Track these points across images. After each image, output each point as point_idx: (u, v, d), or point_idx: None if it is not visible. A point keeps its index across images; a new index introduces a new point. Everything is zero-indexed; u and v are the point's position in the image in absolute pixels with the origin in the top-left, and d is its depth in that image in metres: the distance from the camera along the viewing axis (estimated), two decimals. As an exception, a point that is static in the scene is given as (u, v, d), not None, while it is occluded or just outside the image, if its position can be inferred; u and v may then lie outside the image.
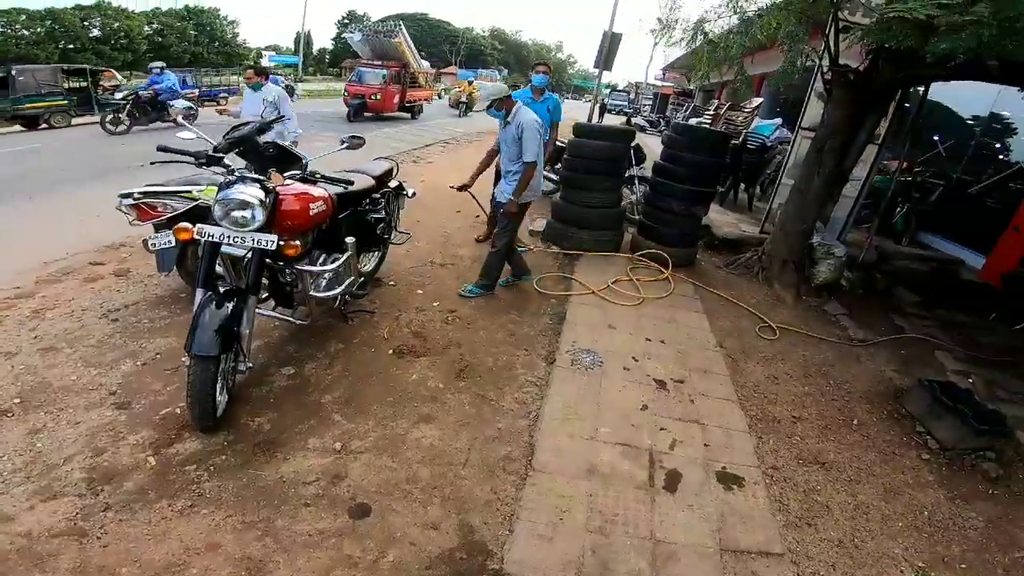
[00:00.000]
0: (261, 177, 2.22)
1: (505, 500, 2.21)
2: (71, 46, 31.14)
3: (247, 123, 4.12)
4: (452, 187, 4.37)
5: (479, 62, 57.15)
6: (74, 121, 11.44)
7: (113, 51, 32.62)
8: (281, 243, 2.33)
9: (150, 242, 2.94)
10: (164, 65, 11.55)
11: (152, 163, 2.31)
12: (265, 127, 4.13)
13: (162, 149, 2.28)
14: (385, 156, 4.05)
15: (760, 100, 13.33)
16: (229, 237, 2.14)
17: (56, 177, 6.75)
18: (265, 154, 4.10)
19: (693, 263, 5.17)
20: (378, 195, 3.59)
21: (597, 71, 9.50)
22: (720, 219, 6.74)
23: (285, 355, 3.02)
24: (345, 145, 2.57)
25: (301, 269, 2.58)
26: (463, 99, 21.16)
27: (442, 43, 55.31)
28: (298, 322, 2.82)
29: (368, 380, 2.87)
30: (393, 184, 3.96)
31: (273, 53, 48.52)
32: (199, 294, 2.22)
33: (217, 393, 2.21)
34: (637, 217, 6.01)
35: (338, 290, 2.83)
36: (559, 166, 6.92)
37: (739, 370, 3.43)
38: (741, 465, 2.56)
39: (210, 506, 2.02)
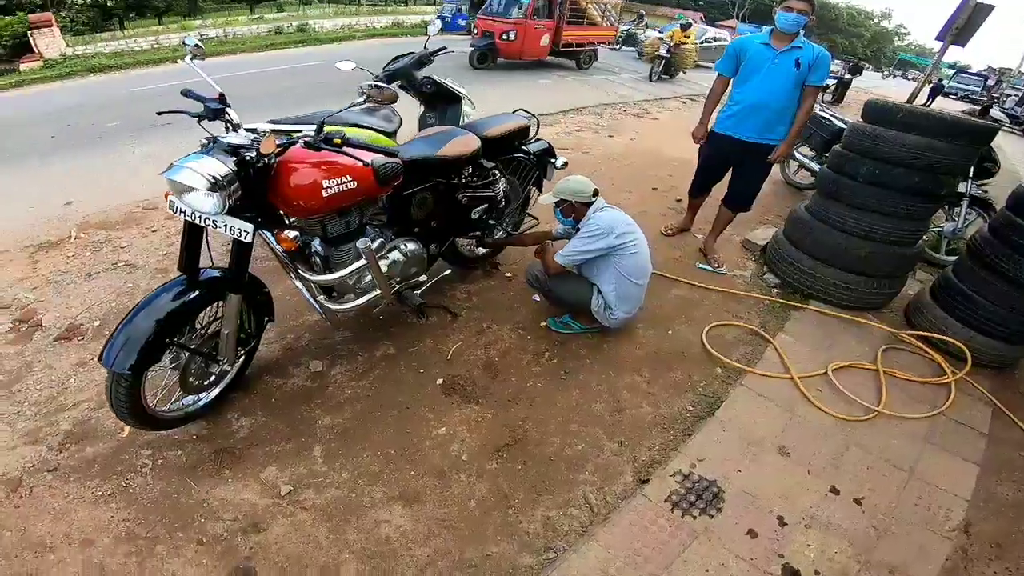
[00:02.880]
0: (244, 142, 1.80)
1: None
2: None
3: (408, 54, 3.90)
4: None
5: (766, 18, 48.95)
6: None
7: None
8: (272, 233, 1.96)
9: None
10: None
11: (159, 113, 2.10)
12: (425, 59, 3.85)
13: (185, 94, 2.05)
14: (522, 109, 3.29)
15: None
16: (199, 217, 1.83)
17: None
18: (423, 89, 3.88)
19: (1013, 366, 3.13)
20: (491, 164, 2.91)
21: (939, 45, 6.84)
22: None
23: (327, 344, 2.77)
24: (362, 100, 1.93)
25: (301, 272, 2.18)
26: (663, 52, 12.92)
27: (723, -9, 48.55)
28: (327, 319, 2.45)
29: (386, 413, 2.41)
30: (534, 148, 3.23)
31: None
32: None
33: (150, 401, 2.02)
34: (944, 259, 3.96)
35: (354, 303, 2.36)
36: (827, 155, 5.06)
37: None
38: None
39: (123, 502, 1.94)
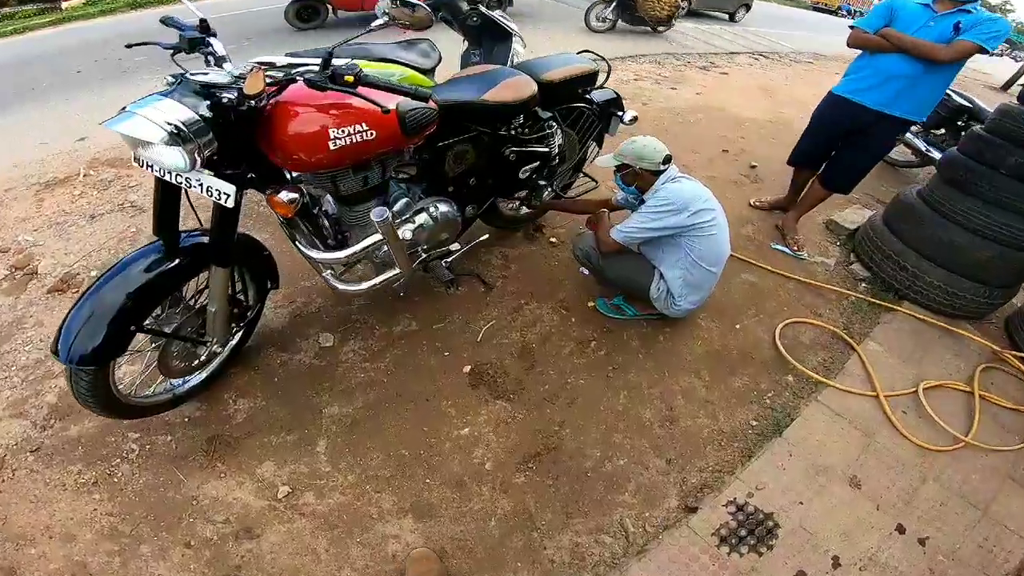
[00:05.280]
0: (223, 80, 1.39)
1: None
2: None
3: None
4: None
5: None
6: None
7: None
8: (267, 194, 1.61)
9: None
10: None
11: (128, 46, 1.74)
12: None
13: (164, 21, 1.69)
14: (588, 50, 2.82)
15: None
16: (171, 175, 1.45)
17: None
18: (468, 23, 3.42)
19: None
20: (548, 115, 2.46)
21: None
22: None
23: (341, 313, 2.48)
24: (382, 22, 1.53)
25: (300, 247, 1.87)
26: None
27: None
28: (339, 289, 2.12)
29: (403, 404, 2.13)
30: (599, 97, 2.75)
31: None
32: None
33: (126, 389, 1.77)
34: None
35: (367, 284, 2.03)
36: (942, 131, 4.44)
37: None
38: None
39: (106, 493, 1.75)
